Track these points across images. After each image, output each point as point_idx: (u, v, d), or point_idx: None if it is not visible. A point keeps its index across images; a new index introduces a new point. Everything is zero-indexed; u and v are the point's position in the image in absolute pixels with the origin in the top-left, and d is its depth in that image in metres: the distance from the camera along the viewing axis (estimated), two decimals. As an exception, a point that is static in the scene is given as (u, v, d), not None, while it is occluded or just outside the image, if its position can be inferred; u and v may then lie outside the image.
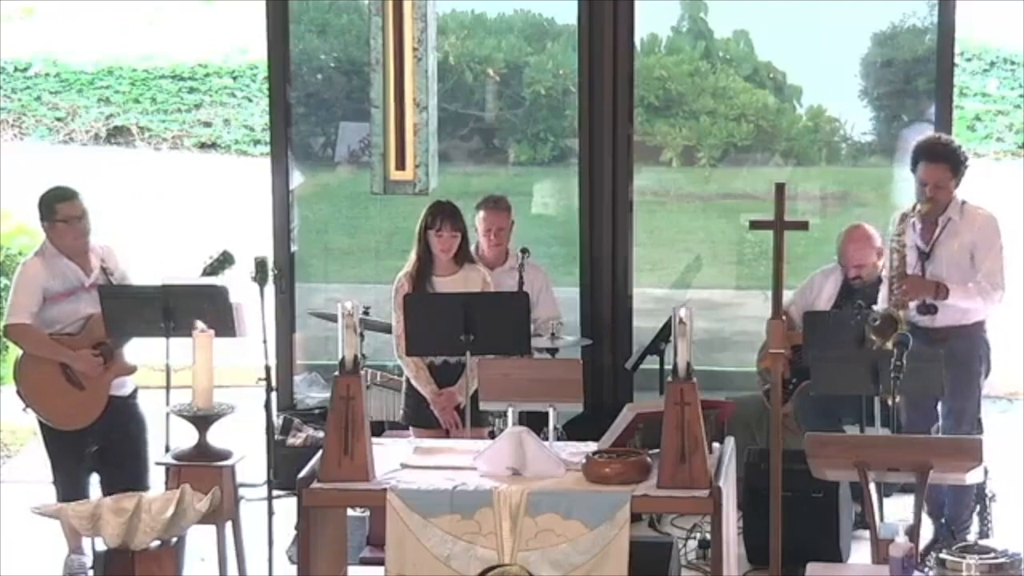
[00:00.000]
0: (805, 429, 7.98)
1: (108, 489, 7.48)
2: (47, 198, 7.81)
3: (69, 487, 7.68)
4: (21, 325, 7.72)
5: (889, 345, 7.44)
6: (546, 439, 7.00)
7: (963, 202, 7.91)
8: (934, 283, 7.79)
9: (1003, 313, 8.13)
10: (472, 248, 8.29)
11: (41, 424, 7.86)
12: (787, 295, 7.68)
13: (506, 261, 8.65)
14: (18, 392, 7.80)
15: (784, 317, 6.88)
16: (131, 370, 7.81)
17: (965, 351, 7.78)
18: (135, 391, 7.92)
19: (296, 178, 10.11)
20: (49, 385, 7.73)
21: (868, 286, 8.33)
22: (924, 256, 7.92)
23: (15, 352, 7.90)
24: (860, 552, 7.78)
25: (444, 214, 7.84)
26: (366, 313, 8.51)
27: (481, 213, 8.62)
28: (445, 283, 7.86)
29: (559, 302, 8.90)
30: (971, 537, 7.73)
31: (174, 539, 6.50)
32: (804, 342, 8.38)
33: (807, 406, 8.41)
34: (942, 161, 7.87)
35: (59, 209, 7.76)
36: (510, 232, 8.68)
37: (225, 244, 7.96)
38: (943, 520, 7.91)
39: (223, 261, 7.81)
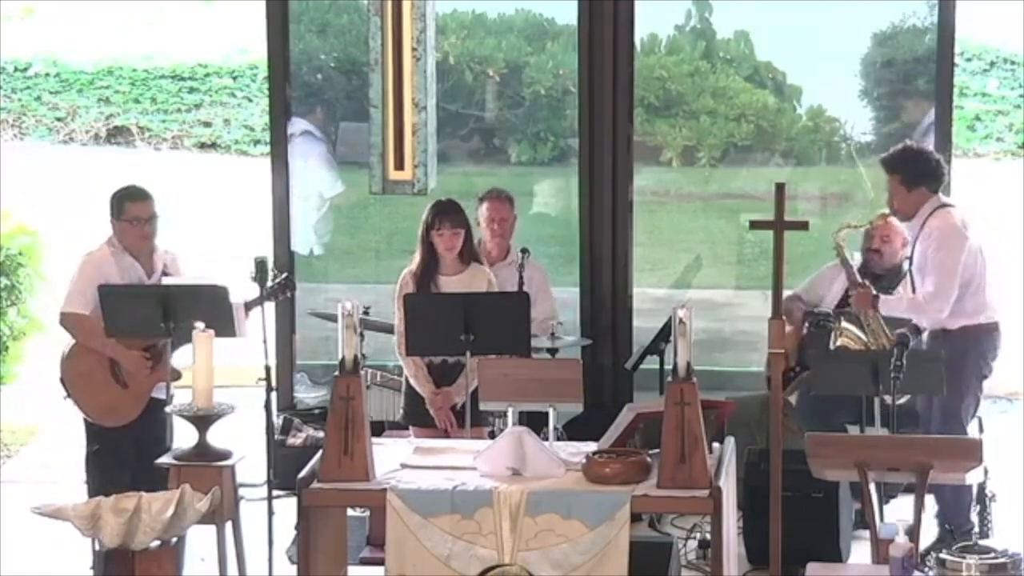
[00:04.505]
0: (804, 428, 8.01)
1: (133, 487, 7.41)
2: (119, 195, 7.89)
3: (106, 487, 7.58)
4: (77, 314, 7.73)
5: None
6: (546, 439, 7.00)
7: (936, 209, 7.90)
8: (871, 296, 8.01)
9: (1003, 313, 8.13)
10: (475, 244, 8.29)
11: (87, 424, 7.85)
12: (787, 296, 7.71)
13: (507, 256, 8.67)
14: (61, 380, 7.80)
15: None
16: (177, 376, 7.74)
17: (959, 349, 7.78)
18: (171, 395, 7.84)
19: (337, 187, 10.22)
20: (94, 378, 7.75)
21: (887, 271, 8.35)
22: (909, 259, 8.09)
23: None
24: (860, 552, 7.78)
25: (444, 213, 7.84)
26: (366, 313, 8.51)
27: (485, 204, 8.66)
28: (451, 282, 7.85)
29: (557, 302, 8.91)
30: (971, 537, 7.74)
31: (174, 539, 6.50)
32: (804, 342, 8.42)
33: (807, 405, 8.43)
34: (894, 172, 7.99)
35: (128, 208, 7.82)
36: (512, 226, 8.70)
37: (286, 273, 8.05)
38: (948, 527, 7.92)
39: (284, 286, 7.88)
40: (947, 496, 7.87)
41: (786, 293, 7.17)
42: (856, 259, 8.45)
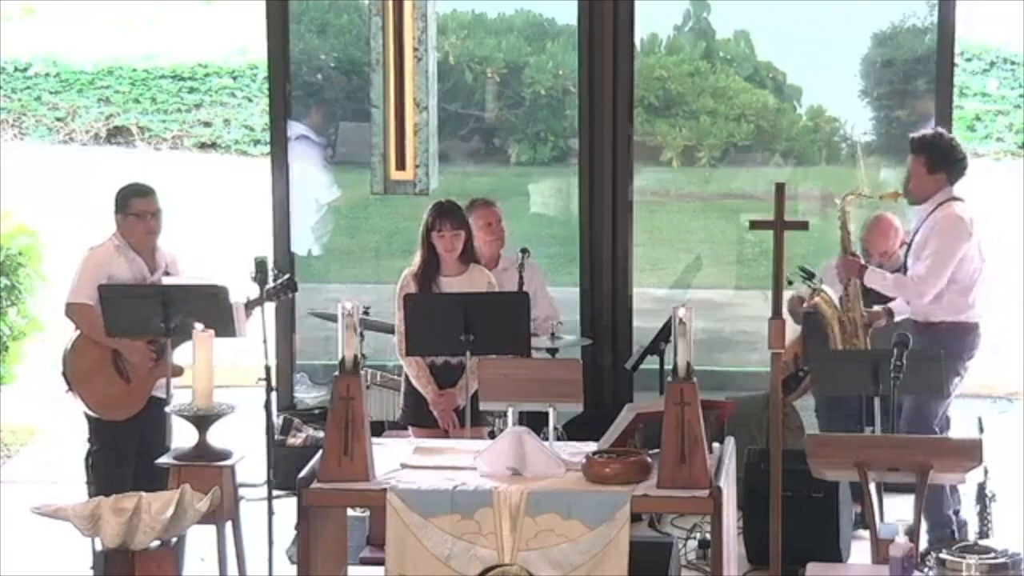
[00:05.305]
0: (822, 427, 8.05)
1: (134, 486, 7.41)
2: (123, 191, 7.93)
3: (107, 486, 7.57)
4: (83, 305, 7.75)
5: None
6: (546, 439, 7.00)
7: (948, 200, 7.92)
8: (859, 265, 8.05)
9: (1002, 313, 8.13)
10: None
11: (89, 419, 7.85)
12: (788, 296, 7.71)
13: (498, 263, 8.65)
14: (63, 374, 7.82)
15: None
16: (179, 372, 7.76)
17: (941, 345, 7.78)
18: (171, 394, 7.84)
19: (333, 192, 10.23)
20: (97, 371, 7.77)
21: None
22: (907, 246, 8.10)
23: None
24: (860, 552, 7.78)
25: (443, 214, 7.83)
26: (366, 313, 8.51)
27: (473, 213, 8.64)
28: (451, 283, 7.85)
29: (555, 302, 8.91)
30: (971, 537, 7.74)
31: (174, 539, 6.49)
32: (804, 342, 8.42)
33: (824, 404, 8.45)
34: (920, 153, 7.99)
35: (133, 203, 7.87)
36: (502, 229, 8.69)
37: (285, 273, 8.07)
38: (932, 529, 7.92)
39: (286, 286, 7.92)
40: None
41: (787, 294, 7.16)
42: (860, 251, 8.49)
